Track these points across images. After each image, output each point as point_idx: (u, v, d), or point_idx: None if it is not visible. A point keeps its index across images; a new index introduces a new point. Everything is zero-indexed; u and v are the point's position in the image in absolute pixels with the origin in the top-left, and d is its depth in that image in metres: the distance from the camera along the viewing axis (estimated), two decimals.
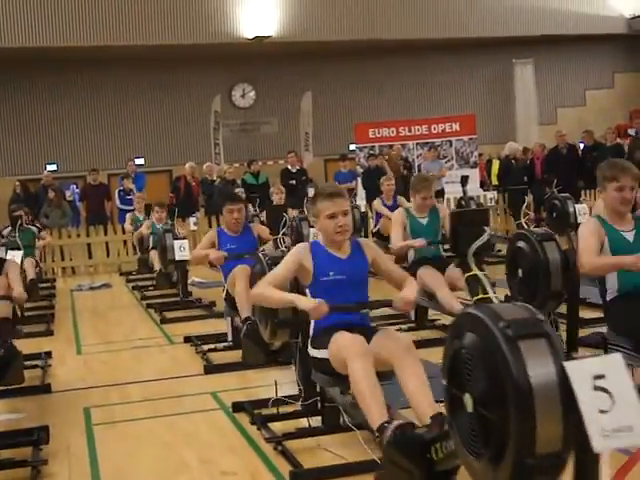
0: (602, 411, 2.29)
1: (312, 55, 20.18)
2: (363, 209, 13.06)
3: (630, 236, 4.65)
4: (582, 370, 2.33)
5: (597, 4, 21.68)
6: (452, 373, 2.67)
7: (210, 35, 18.58)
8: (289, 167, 15.73)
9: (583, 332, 5.85)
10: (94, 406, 5.57)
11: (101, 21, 17.73)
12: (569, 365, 2.34)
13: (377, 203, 10.90)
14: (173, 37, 18.32)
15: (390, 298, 4.13)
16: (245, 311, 6.33)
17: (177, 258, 9.23)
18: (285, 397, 4.79)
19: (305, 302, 4.04)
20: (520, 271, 5.38)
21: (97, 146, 19.64)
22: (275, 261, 4.96)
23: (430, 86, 21.66)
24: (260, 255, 5.28)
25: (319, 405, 4.53)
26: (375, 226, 11.06)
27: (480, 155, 18.86)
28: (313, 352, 4.25)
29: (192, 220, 13.76)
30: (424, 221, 7.11)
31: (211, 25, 18.58)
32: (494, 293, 2.95)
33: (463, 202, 11.03)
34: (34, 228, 11.87)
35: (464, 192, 11.30)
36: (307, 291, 4.27)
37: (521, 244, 5.38)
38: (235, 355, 6.51)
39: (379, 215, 10.88)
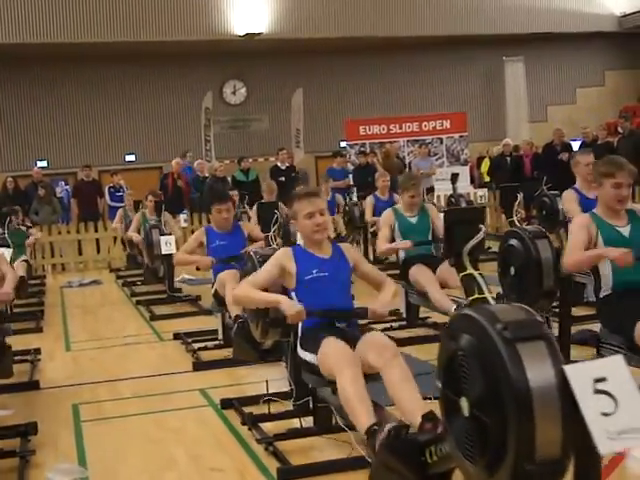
0: (605, 414, 2.23)
1: (303, 52, 20.16)
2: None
3: (625, 231, 4.57)
4: (582, 373, 2.27)
5: (587, 2, 21.72)
6: (448, 375, 2.59)
7: (201, 32, 18.55)
8: (278, 164, 15.72)
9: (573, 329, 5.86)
10: (83, 403, 5.58)
11: (92, 17, 17.67)
12: (569, 369, 2.27)
13: (369, 200, 10.83)
14: (164, 34, 18.28)
15: (365, 306, 4.16)
16: (235, 311, 6.35)
17: (163, 252, 9.36)
18: (276, 395, 4.74)
19: (286, 305, 4.09)
20: (512, 269, 5.33)
21: (88, 143, 19.58)
22: (266, 259, 4.95)
23: (421, 83, 21.67)
24: (251, 253, 5.29)
25: (311, 405, 4.45)
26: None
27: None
28: (302, 354, 4.25)
29: (182, 217, 13.75)
30: (413, 220, 7.07)
31: (202, 22, 18.55)
32: (490, 293, 2.92)
33: (453, 199, 11.05)
34: (24, 228, 11.85)
35: (454, 189, 11.33)
36: (293, 294, 4.28)
37: (513, 242, 5.34)
38: (225, 352, 6.52)
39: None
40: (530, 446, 2.22)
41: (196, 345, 6.94)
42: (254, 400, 4.92)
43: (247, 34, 18.70)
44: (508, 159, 15.72)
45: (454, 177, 11.49)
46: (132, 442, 4.68)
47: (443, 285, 6.54)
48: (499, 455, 2.29)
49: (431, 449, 3.00)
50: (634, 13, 22.04)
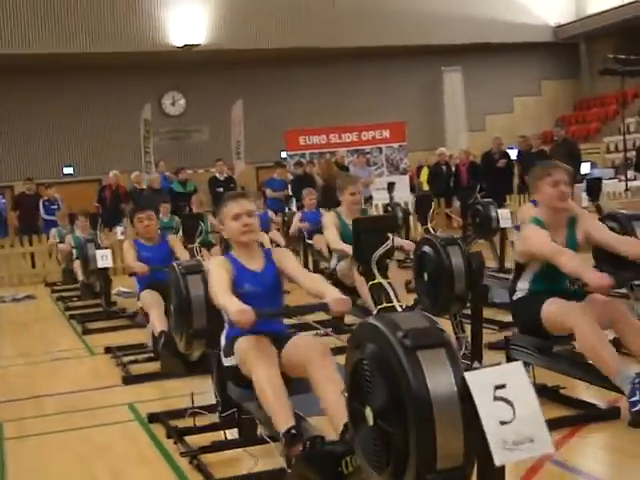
0: (503, 422, 2.20)
1: (242, 63, 20.13)
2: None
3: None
4: (483, 380, 2.24)
5: (523, 13, 22.09)
6: (353, 385, 2.57)
7: (139, 43, 18.44)
8: (217, 175, 15.64)
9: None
10: (7, 420, 5.43)
11: (28, 28, 17.48)
12: (469, 375, 2.24)
13: (296, 218, 10.74)
14: (102, 45, 18.14)
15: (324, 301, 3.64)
16: (159, 327, 6.33)
17: (99, 266, 9.13)
18: (201, 408, 4.66)
19: (232, 306, 3.61)
20: (425, 275, 5.44)
21: (25, 156, 19.33)
22: (188, 270, 4.88)
23: (361, 93, 21.76)
24: (174, 264, 5.22)
25: (236, 417, 4.37)
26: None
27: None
28: (226, 361, 4.18)
29: (119, 229, 13.57)
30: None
31: (140, 33, 18.45)
32: (399, 302, 2.91)
33: (389, 208, 11.10)
34: None
35: (390, 198, 11.38)
36: None
37: (426, 249, 5.44)
38: (156, 366, 6.42)
39: None
40: (431, 455, 2.19)
41: (127, 359, 6.83)
42: (181, 413, 4.83)
43: (185, 45, 18.62)
44: (444, 168, 15.86)
45: (390, 186, 11.58)
46: (54, 459, 4.57)
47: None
48: (402, 465, 2.26)
49: (347, 460, 2.97)
50: (568, 24, 22.48)
